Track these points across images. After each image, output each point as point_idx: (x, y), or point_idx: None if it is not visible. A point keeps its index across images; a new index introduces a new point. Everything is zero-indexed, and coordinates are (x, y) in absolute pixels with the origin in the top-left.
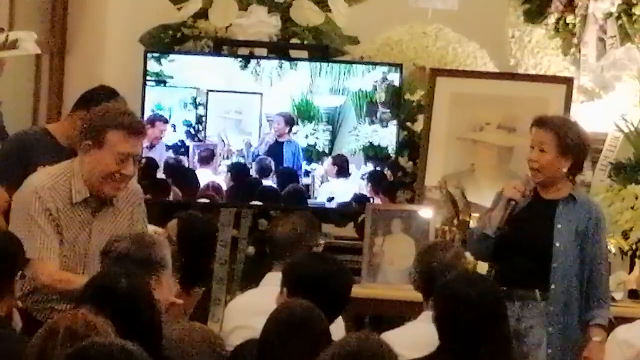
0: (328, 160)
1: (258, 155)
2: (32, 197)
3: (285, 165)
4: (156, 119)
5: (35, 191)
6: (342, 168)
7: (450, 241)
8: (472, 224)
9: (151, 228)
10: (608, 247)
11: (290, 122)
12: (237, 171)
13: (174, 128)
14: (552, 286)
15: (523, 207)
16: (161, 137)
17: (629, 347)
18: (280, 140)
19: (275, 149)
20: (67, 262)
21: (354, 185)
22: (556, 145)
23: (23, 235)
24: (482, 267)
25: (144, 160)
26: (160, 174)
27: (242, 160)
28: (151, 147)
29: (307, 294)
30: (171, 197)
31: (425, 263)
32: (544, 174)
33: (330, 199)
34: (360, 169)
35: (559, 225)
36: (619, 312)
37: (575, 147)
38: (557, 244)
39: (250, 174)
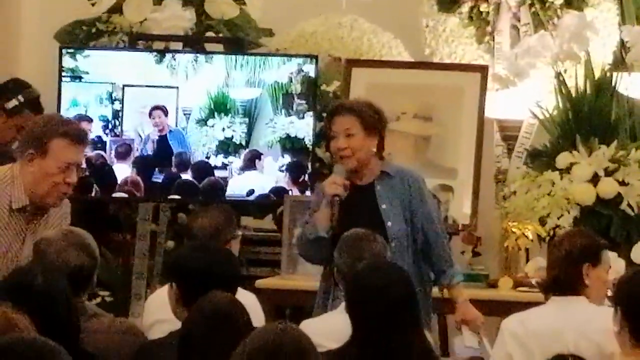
0: (244, 153)
1: (143, 155)
2: None
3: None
4: (82, 118)
5: None
6: (251, 161)
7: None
8: None
9: None
10: (438, 210)
11: (167, 112)
12: (143, 165)
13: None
14: None
15: (343, 201)
16: None
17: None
18: (163, 134)
19: (163, 144)
20: None
21: (272, 177)
22: (360, 125)
23: None
24: None
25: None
26: None
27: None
28: None
29: (196, 285)
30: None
31: (355, 255)
32: (356, 158)
33: (251, 192)
34: (277, 161)
35: (384, 206)
36: (539, 298)
37: (377, 124)
38: (390, 224)
39: (154, 167)
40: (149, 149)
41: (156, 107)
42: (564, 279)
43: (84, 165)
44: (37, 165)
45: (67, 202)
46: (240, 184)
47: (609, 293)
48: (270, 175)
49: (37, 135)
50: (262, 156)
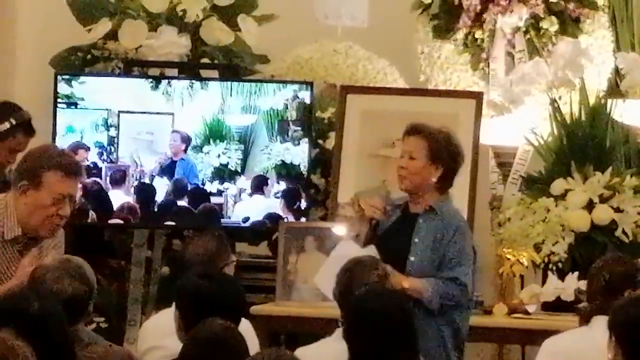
0: (242, 179)
1: (153, 175)
2: None
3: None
4: (79, 147)
5: None
6: (258, 187)
7: (374, 259)
8: None
9: None
10: (470, 250)
11: (186, 140)
12: (144, 192)
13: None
14: None
15: (392, 222)
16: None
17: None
18: (175, 159)
19: (168, 168)
20: None
21: (267, 203)
22: (426, 152)
23: None
24: None
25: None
26: None
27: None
28: None
29: (200, 312)
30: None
31: (346, 282)
32: (411, 182)
33: (246, 219)
34: (273, 188)
35: (416, 240)
36: (534, 324)
37: (446, 157)
38: (412, 259)
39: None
40: (155, 171)
41: (175, 131)
42: (607, 308)
43: (78, 198)
44: (30, 196)
45: (61, 231)
46: (237, 210)
47: None
48: (265, 201)
49: (31, 167)
50: (268, 181)
